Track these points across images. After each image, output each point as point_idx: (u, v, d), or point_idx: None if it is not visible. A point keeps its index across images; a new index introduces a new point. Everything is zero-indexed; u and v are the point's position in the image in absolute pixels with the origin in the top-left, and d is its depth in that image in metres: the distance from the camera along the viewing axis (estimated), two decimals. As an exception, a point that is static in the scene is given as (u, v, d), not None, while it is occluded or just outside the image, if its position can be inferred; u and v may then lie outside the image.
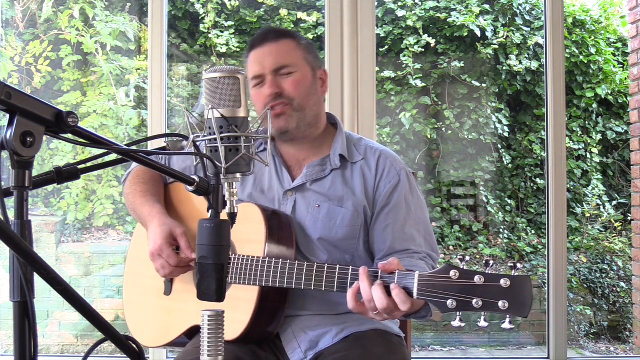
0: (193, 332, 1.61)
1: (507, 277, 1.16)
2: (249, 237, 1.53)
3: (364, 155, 1.68)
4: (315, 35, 5.22)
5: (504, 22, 5.36)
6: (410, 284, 1.26)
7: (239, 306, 1.49)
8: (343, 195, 1.62)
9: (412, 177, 1.70)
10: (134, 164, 1.78)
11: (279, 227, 1.55)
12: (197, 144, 1.05)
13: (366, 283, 1.30)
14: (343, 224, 1.59)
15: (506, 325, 1.17)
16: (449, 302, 1.19)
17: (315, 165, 1.65)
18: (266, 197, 1.64)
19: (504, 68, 5.33)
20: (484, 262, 1.23)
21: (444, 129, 5.37)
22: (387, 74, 5.28)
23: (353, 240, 1.61)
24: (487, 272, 1.19)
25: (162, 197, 1.72)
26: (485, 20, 5.29)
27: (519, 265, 1.18)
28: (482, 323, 1.20)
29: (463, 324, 1.21)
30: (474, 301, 1.17)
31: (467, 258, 1.23)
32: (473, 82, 5.33)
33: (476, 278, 1.18)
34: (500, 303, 1.16)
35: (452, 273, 1.20)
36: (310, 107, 1.63)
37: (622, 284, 4.89)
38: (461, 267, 1.21)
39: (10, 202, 0.84)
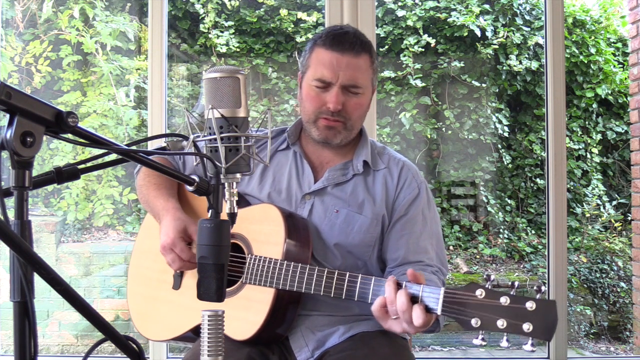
0: (200, 330, 1.60)
1: (533, 300, 1.17)
2: (268, 238, 1.52)
3: (387, 165, 1.68)
4: (315, 35, 5.22)
5: (504, 22, 5.37)
6: (435, 298, 1.27)
7: (253, 307, 1.49)
8: (363, 202, 1.62)
9: (430, 192, 1.71)
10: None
11: (297, 229, 1.54)
12: (197, 144, 1.05)
13: (391, 287, 1.31)
14: (360, 231, 1.59)
15: (528, 347, 1.18)
16: (474, 320, 1.20)
17: (337, 170, 1.65)
18: (284, 198, 1.64)
19: (504, 68, 5.34)
20: (509, 283, 1.23)
21: (444, 129, 5.37)
22: (387, 74, 5.28)
23: (368, 247, 1.61)
24: (512, 293, 1.20)
25: (175, 191, 1.71)
26: (485, 20, 5.29)
27: (543, 289, 1.20)
28: (504, 343, 1.21)
29: (485, 343, 1.21)
30: (499, 322, 1.18)
31: (493, 277, 1.24)
32: (473, 82, 5.33)
33: (502, 299, 1.19)
34: (525, 326, 1.16)
35: (478, 292, 1.21)
36: (357, 128, 1.65)
37: (622, 284, 4.89)
38: (487, 286, 1.22)
39: (10, 202, 0.84)
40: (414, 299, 1.28)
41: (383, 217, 1.61)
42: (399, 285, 1.31)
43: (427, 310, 1.27)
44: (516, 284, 1.21)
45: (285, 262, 1.47)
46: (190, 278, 1.65)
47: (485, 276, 1.24)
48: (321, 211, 1.61)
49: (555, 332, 1.17)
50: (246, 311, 1.48)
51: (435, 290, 1.27)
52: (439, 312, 1.25)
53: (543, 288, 1.19)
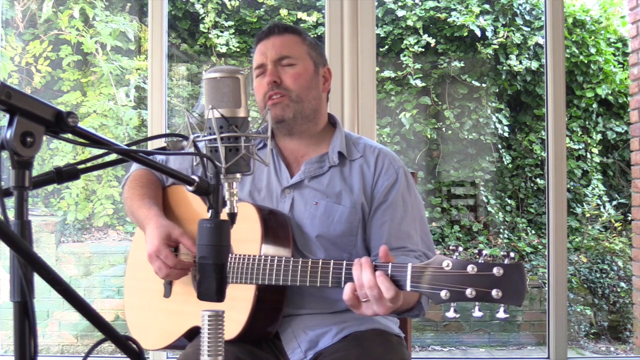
0: (192, 334, 1.60)
1: (499, 265, 1.15)
2: (245, 236, 1.53)
3: (362, 154, 1.68)
4: (315, 35, 5.21)
5: (504, 22, 5.36)
6: (403, 276, 1.26)
7: (236, 306, 1.49)
8: (341, 192, 1.62)
9: (410, 176, 1.70)
10: (133, 167, 1.79)
11: (275, 226, 1.55)
12: (197, 144, 1.05)
13: (359, 270, 1.30)
14: (341, 221, 1.59)
15: (501, 314, 1.16)
16: (443, 293, 1.18)
17: (313, 162, 1.66)
18: (264, 195, 1.65)
19: (504, 68, 5.33)
20: (476, 251, 1.21)
21: (444, 129, 5.37)
22: (387, 74, 5.28)
23: (351, 237, 1.61)
24: (479, 261, 1.18)
25: (159, 200, 1.72)
26: (485, 20, 5.29)
27: (511, 254, 1.17)
28: (477, 313, 1.19)
29: (458, 315, 1.20)
30: (468, 291, 1.16)
31: (460, 249, 1.22)
32: (473, 82, 5.33)
33: (469, 268, 1.17)
34: (494, 292, 1.14)
35: (444, 264, 1.20)
36: (308, 101, 1.64)
37: (622, 284, 4.89)
38: (454, 257, 1.21)
39: (10, 202, 0.84)
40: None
41: (362, 206, 1.62)
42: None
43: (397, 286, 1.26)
44: (484, 252, 1.19)
45: (263, 257, 1.47)
46: (180, 285, 1.65)
47: (452, 247, 1.23)
48: (301, 205, 1.62)
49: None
50: (230, 311, 1.48)
51: (403, 266, 1.26)
52: (408, 288, 1.25)
53: (512, 254, 1.17)
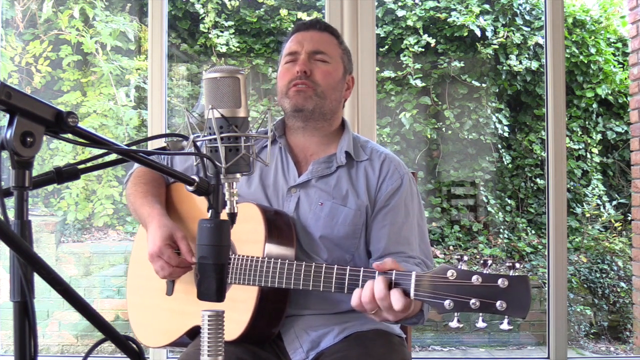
0: (195, 333, 1.61)
1: (504, 277, 1.15)
2: (248, 237, 1.53)
3: (369, 156, 1.69)
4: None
5: (504, 22, 5.36)
6: (407, 284, 1.26)
7: (238, 306, 1.49)
8: (347, 194, 1.63)
9: (415, 184, 1.70)
10: (136, 164, 1.79)
11: (279, 227, 1.55)
12: (197, 144, 1.05)
13: (371, 282, 1.30)
14: (345, 223, 1.60)
15: (504, 326, 1.15)
16: (446, 302, 1.18)
17: (321, 162, 1.66)
18: (270, 193, 1.65)
19: (504, 68, 5.33)
20: (482, 261, 1.20)
21: (444, 129, 5.37)
22: (387, 74, 5.28)
23: (354, 239, 1.61)
24: (484, 272, 1.17)
25: (162, 197, 1.72)
26: (485, 20, 5.29)
27: (517, 265, 1.16)
28: (480, 323, 1.18)
29: (461, 325, 1.20)
30: (472, 302, 1.16)
31: (465, 258, 1.22)
32: (473, 82, 5.33)
33: (473, 278, 1.17)
34: (498, 303, 1.14)
35: (449, 273, 1.19)
36: (330, 100, 1.66)
37: (622, 284, 4.89)
38: (459, 267, 1.20)
39: (10, 202, 0.84)
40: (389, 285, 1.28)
41: (366, 208, 1.62)
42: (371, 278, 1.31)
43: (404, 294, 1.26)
44: (489, 262, 1.19)
45: (266, 259, 1.47)
46: (183, 283, 1.66)
47: (457, 256, 1.23)
48: (306, 204, 1.62)
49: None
50: (232, 311, 1.48)
51: (407, 275, 1.26)
52: (411, 296, 1.25)
53: (517, 265, 1.17)
